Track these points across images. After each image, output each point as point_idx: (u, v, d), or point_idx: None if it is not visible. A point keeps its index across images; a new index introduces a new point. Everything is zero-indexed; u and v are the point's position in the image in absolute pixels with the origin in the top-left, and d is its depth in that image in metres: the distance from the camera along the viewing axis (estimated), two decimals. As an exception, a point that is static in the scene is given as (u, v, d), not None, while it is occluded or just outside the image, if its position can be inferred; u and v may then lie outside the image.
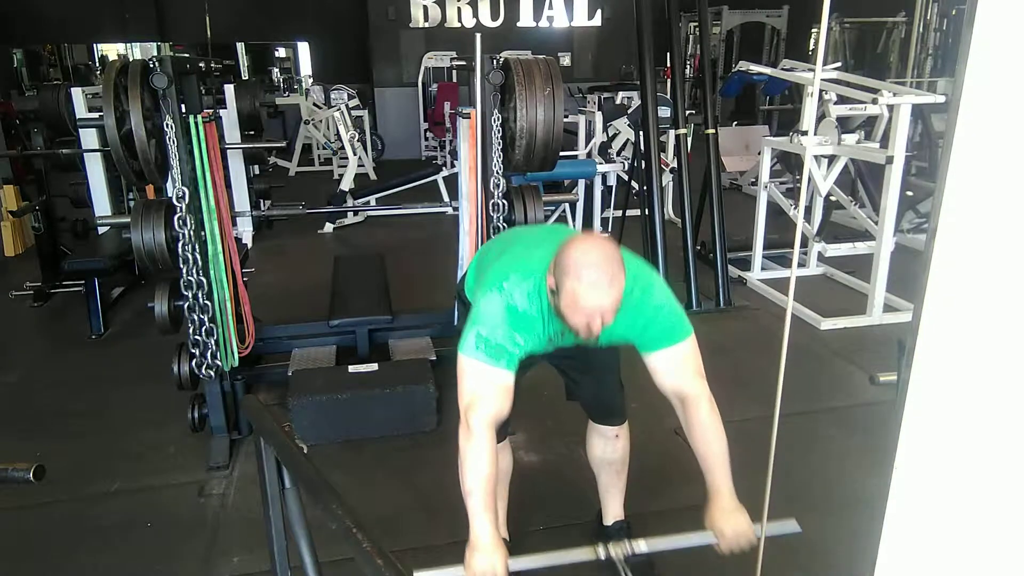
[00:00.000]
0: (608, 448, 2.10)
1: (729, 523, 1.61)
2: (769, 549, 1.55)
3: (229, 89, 5.20)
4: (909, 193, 4.66)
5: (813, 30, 11.41)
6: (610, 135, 6.45)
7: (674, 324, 1.70)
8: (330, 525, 1.01)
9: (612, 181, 5.93)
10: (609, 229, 5.68)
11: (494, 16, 10.34)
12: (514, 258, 1.76)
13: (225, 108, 5.08)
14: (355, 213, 6.60)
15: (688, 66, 11.03)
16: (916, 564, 0.74)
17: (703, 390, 1.69)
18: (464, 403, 1.61)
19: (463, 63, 3.08)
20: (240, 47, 12.87)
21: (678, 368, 1.70)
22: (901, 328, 2.99)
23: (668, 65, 5.08)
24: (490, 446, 1.58)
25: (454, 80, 10.02)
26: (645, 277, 1.72)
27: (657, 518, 2.35)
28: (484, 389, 1.61)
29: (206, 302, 2.69)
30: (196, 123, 2.59)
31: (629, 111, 6.81)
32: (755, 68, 5.54)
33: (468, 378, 1.62)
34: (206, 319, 2.71)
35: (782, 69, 5.64)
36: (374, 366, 3.10)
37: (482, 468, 1.56)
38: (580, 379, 2.05)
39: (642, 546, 1.69)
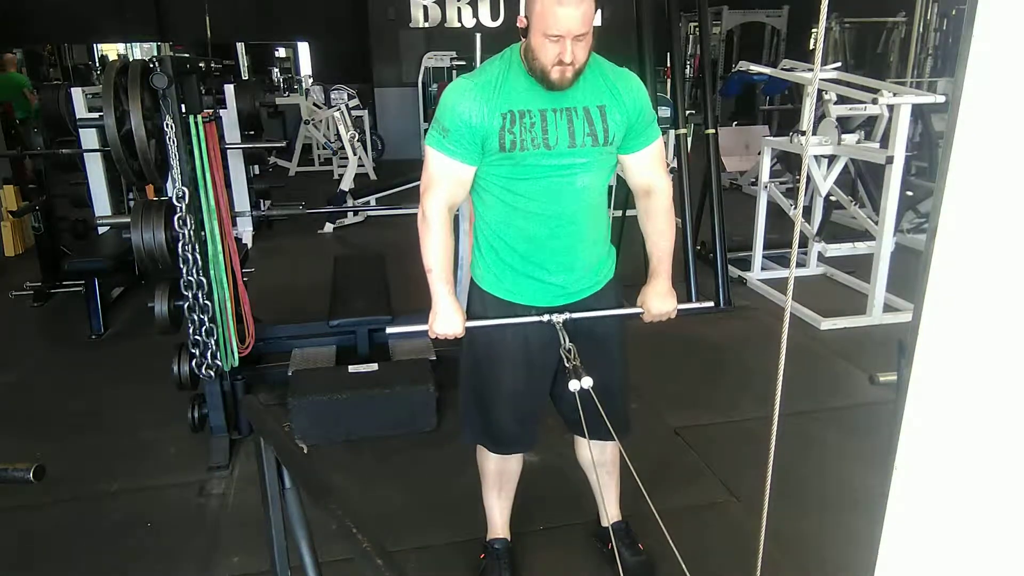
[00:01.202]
0: (597, 450, 2.06)
1: (658, 302, 1.85)
2: (769, 549, 1.55)
3: (229, 89, 5.20)
4: (909, 193, 4.66)
5: (813, 30, 11.40)
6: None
7: (654, 120, 1.83)
8: (330, 525, 1.01)
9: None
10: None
11: (494, 16, 10.33)
12: None
13: (225, 108, 5.08)
14: (355, 213, 6.60)
15: (688, 66, 11.03)
16: (916, 564, 0.74)
17: (667, 185, 1.86)
18: (422, 189, 1.73)
19: (463, 63, 3.07)
20: (240, 47, 12.87)
21: (651, 165, 1.82)
22: (901, 328, 2.99)
23: (668, 65, 5.08)
24: (445, 228, 1.72)
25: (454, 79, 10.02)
26: (628, 72, 1.81)
27: (656, 518, 2.35)
28: (439, 177, 1.71)
29: (206, 302, 2.69)
30: (196, 123, 2.59)
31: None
32: (755, 68, 5.54)
33: (427, 166, 1.72)
34: (206, 319, 2.71)
35: (782, 69, 5.64)
36: (374, 366, 3.10)
37: (439, 248, 1.72)
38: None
39: (578, 314, 1.78)
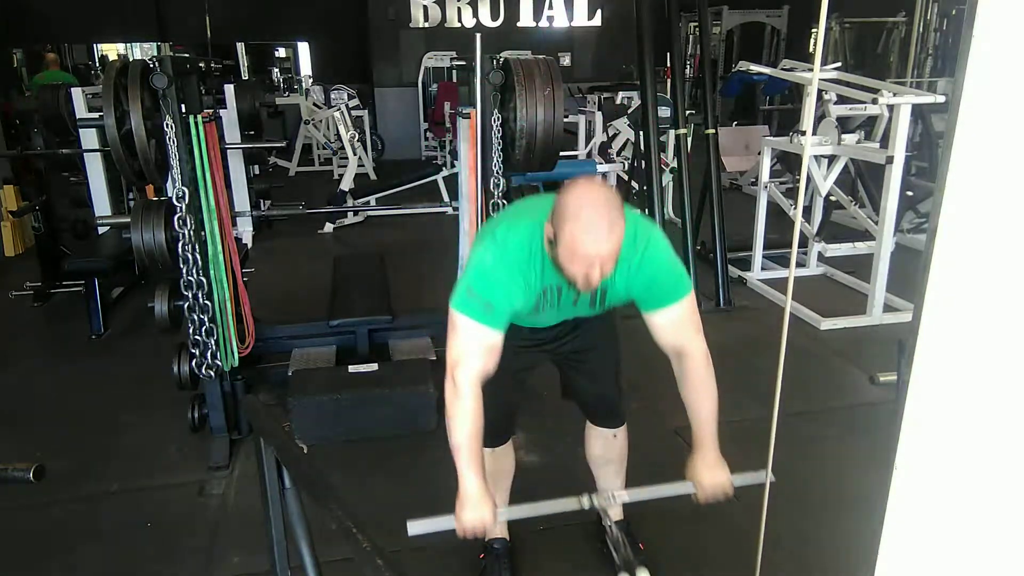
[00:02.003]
0: (607, 448, 2.10)
1: (708, 476, 1.68)
2: (769, 549, 1.55)
3: (229, 89, 5.20)
4: (909, 193, 4.66)
5: (813, 30, 11.40)
6: (610, 135, 6.45)
7: (676, 282, 1.69)
8: (330, 525, 1.01)
9: (612, 181, 5.93)
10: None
11: (494, 16, 10.33)
12: (510, 215, 1.77)
13: (225, 108, 5.08)
14: (355, 213, 6.60)
15: (688, 66, 11.03)
16: (916, 564, 0.74)
17: (701, 346, 1.71)
18: (452, 358, 1.62)
19: (463, 63, 3.08)
20: (240, 47, 12.86)
21: (679, 326, 1.70)
22: (901, 328, 2.99)
23: (668, 65, 5.08)
24: (476, 403, 1.60)
25: (454, 80, 10.02)
26: (646, 231, 1.68)
27: (657, 518, 2.35)
28: (472, 346, 1.61)
29: (206, 302, 2.69)
30: (196, 123, 2.59)
31: (629, 111, 6.81)
32: (755, 68, 5.54)
33: (457, 333, 1.62)
34: (206, 319, 2.71)
35: (782, 69, 5.64)
36: (374, 366, 3.10)
37: (469, 425, 1.59)
38: (580, 379, 2.05)
39: (624, 496, 1.74)
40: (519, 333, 1.89)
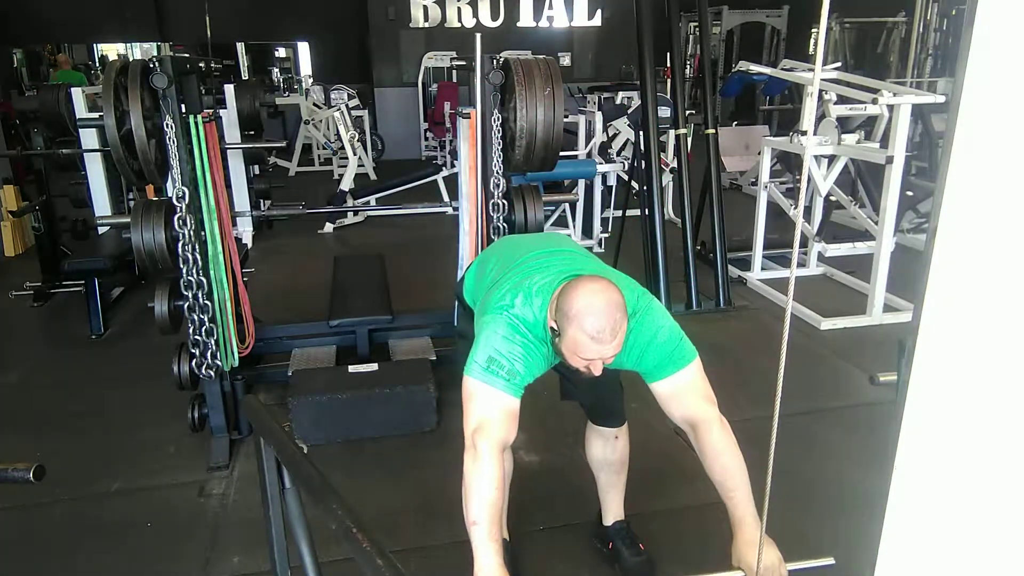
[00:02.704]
0: (608, 448, 2.10)
1: (754, 554, 1.49)
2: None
3: (229, 89, 5.20)
4: (909, 193, 4.66)
5: (813, 30, 11.40)
6: (610, 135, 6.44)
7: (675, 350, 1.65)
8: (330, 525, 1.01)
9: (612, 181, 5.92)
10: (609, 229, 5.68)
11: (494, 16, 10.33)
12: (518, 281, 1.71)
13: (225, 108, 5.08)
14: (355, 213, 6.60)
15: (688, 66, 11.03)
16: (916, 564, 0.74)
17: (713, 414, 1.63)
18: (471, 427, 1.56)
19: (463, 63, 3.08)
20: (240, 47, 12.87)
21: (684, 395, 1.65)
22: (901, 328, 2.99)
23: (668, 65, 5.08)
24: (498, 472, 1.52)
25: (454, 80, 10.02)
26: (643, 306, 1.68)
27: (657, 518, 2.35)
28: (492, 414, 1.57)
29: (206, 302, 2.69)
30: (196, 123, 2.59)
31: (629, 111, 6.81)
32: (755, 68, 5.54)
33: (475, 402, 1.58)
34: (206, 319, 2.71)
35: (782, 69, 5.64)
36: (374, 366, 3.10)
37: (489, 496, 1.49)
38: (579, 380, 2.04)
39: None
40: None
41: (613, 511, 2.19)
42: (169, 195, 2.57)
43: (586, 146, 6.19)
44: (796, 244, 1.13)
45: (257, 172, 6.18)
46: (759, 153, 4.81)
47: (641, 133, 4.41)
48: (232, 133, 5.01)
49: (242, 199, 5.46)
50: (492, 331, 1.62)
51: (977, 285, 0.65)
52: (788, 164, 6.52)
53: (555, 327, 1.55)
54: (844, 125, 4.59)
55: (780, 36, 11.25)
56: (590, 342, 1.48)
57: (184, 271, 2.63)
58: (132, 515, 2.50)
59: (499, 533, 1.50)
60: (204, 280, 2.67)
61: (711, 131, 4.47)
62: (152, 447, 2.91)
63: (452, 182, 4.94)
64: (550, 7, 10.51)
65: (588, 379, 1.60)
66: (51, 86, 5.01)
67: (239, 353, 2.91)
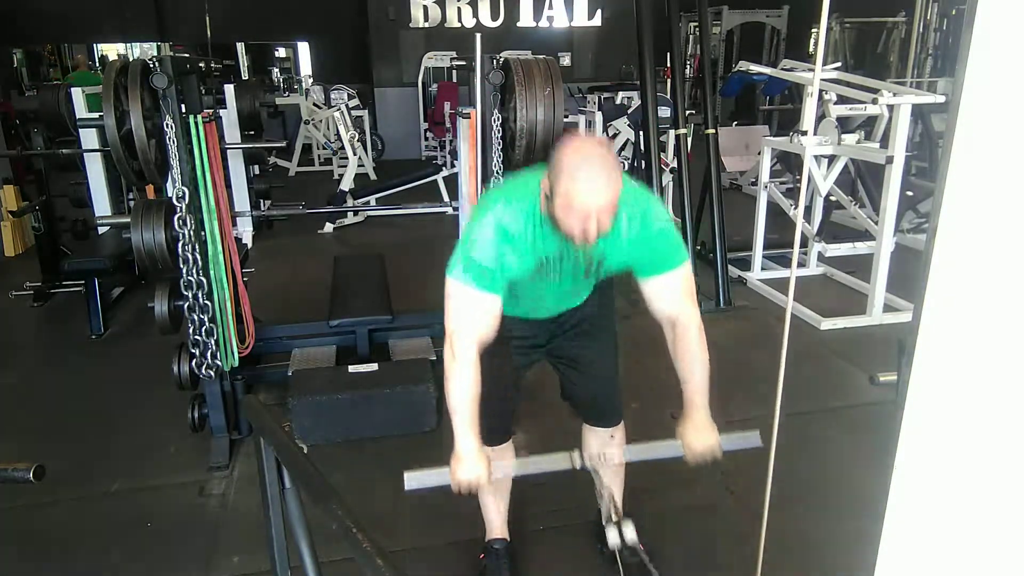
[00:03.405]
0: (604, 449, 2.10)
1: (699, 439, 1.69)
2: (769, 549, 1.55)
3: (229, 89, 5.20)
4: (909, 193, 4.66)
5: (813, 30, 11.40)
6: (610, 135, 6.45)
7: (673, 249, 1.70)
8: (330, 525, 1.01)
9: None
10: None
11: (494, 16, 10.33)
12: (506, 185, 1.77)
13: (225, 108, 5.08)
14: (355, 213, 6.60)
15: (688, 66, 11.03)
16: (916, 564, 0.74)
17: (694, 315, 1.71)
18: (450, 326, 1.63)
19: (463, 63, 3.08)
20: (240, 47, 12.87)
21: (674, 293, 1.71)
22: (901, 328, 2.99)
23: (668, 65, 5.08)
24: (475, 368, 1.61)
25: (454, 80, 10.02)
26: (645, 197, 1.70)
27: (657, 518, 2.35)
28: (470, 313, 1.62)
29: (206, 302, 2.69)
30: (196, 123, 2.59)
31: (629, 111, 6.81)
32: (755, 68, 5.54)
33: (454, 301, 1.63)
34: (206, 319, 2.71)
35: (782, 69, 5.64)
36: (374, 366, 3.10)
37: (467, 388, 1.61)
38: (578, 377, 2.04)
39: (614, 456, 1.76)
40: (517, 328, 1.89)
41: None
42: (169, 195, 2.57)
43: (586, 146, 6.18)
44: (796, 244, 1.14)
45: (257, 172, 6.18)
46: (759, 153, 4.82)
47: (641, 133, 4.42)
48: (232, 133, 5.01)
49: (242, 199, 5.46)
50: (473, 228, 1.64)
51: (977, 285, 0.65)
52: (788, 164, 6.51)
53: (548, 190, 1.53)
54: (844, 125, 4.59)
55: (780, 36, 11.25)
56: (584, 191, 1.45)
57: (184, 271, 2.63)
58: (132, 515, 2.49)
59: (476, 419, 1.64)
60: (204, 280, 2.67)
61: (711, 131, 4.47)
62: (152, 447, 2.91)
63: (452, 182, 4.95)
64: (550, 7, 10.51)
65: (582, 245, 1.54)
66: (51, 86, 5.00)
67: (239, 353, 2.91)
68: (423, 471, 1.65)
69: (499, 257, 1.60)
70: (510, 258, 1.62)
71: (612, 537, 1.57)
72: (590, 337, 1.96)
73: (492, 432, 1.97)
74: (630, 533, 1.55)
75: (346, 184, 6.70)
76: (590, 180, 1.45)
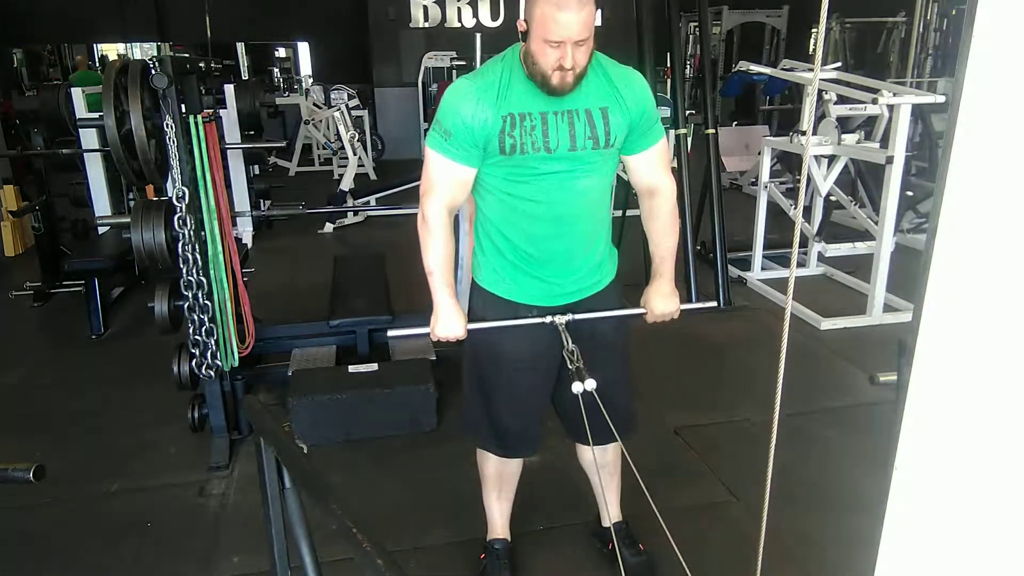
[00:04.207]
0: (597, 451, 2.05)
1: (660, 303, 1.84)
2: (769, 549, 1.55)
3: (229, 89, 5.20)
4: (909, 193, 4.66)
5: (813, 30, 11.40)
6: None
7: (658, 120, 1.79)
8: (330, 525, 1.01)
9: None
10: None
11: (494, 16, 10.33)
12: None
13: (225, 108, 5.07)
14: (355, 213, 6.60)
15: (688, 66, 11.03)
16: (916, 564, 0.74)
17: (671, 184, 1.83)
18: (421, 190, 1.72)
19: (463, 63, 3.07)
20: (240, 47, 12.88)
21: (654, 165, 1.80)
22: (901, 328, 2.99)
23: (668, 65, 5.08)
24: (445, 231, 1.71)
25: (454, 80, 10.02)
26: (629, 66, 1.78)
27: (657, 518, 2.35)
28: (440, 179, 1.69)
29: (206, 302, 2.69)
30: (196, 123, 2.59)
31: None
32: (755, 68, 5.53)
33: (427, 168, 1.71)
34: (206, 319, 2.71)
35: (782, 69, 5.64)
36: (374, 366, 3.10)
37: (439, 250, 1.71)
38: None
39: (581, 315, 1.78)
40: (531, 328, 1.79)
41: (612, 512, 2.18)
42: (169, 195, 2.57)
43: (586, 146, 6.19)
44: (796, 244, 1.14)
45: (257, 172, 6.18)
46: (759, 153, 4.82)
47: (641, 133, 4.41)
48: (232, 133, 5.01)
49: (242, 199, 5.46)
50: (447, 95, 1.68)
51: (977, 285, 0.65)
52: (788, 164, 6.52)
53: (524, 26, 1.58)
54: (844, 125, 4.59)
55: (780, 36, 11.25)
56: (557, 13, 1.48)
57: (184, 271, 2.63)
58: (132, 515, 2.50)
59: (451, 277, 1.76)
60: (204, 280, 2.67)
61: (711, 131, 4.47)
62: (152, 447, 2.91)
63: (452, 182, 4.93)
64: (550, 7, 10.50)
65: (560, 84, 1.57)
66: (51, 86, 5.00)
67: (239, 353, 2.91)
68: (404, 328, 1.87)
69: (461, 115, 1.63)
70: (474, 114, 1.62)
71: (576, 387, 1.57)
72: (602, 343, 1.86)
73: (516, 440, 1.95)
74: (590, 383, 1.56)
75: (346, 184, 6.70)
76: (563, 4, 1.49)
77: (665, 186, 1.82)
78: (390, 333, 1.87)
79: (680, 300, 1.87)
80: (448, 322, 1.74)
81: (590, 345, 1.75)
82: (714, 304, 1.71)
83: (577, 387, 1.57)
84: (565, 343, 1.70)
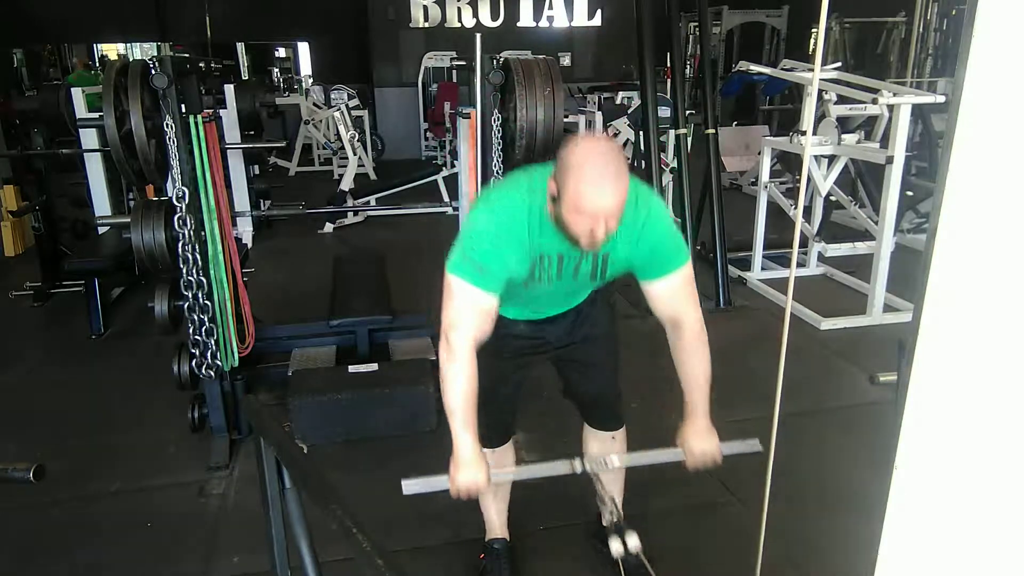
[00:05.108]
0: (605, 450, 2.09)
1: (699, 443, 1.67)
2: (769, 548, 1.55)
3: (229, 89, 5.20)
4: (909, 193, 4.66)
5: (813, 30, 11.39)
6: (610, 135, 6.45)
7: (676, 250, 1.68)
8: (330, 525, 1.01)
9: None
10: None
11: (494, 16, 10.33)
12: (507, 180, 1.75)
13: (225, 108, 5.08)
14: (355, 213, 6.60)
15: (688, 66, 11.02)
16: (916, 564, 0.74)
17: (697, 316, 1.71)
18: (447, 321, 1.62)
19: (463, 63, 3.08)
20: (240, 47, 12.87)
21: (677, 295, 1.70)
22: (901, 328, 2.99)
23: (668, 65, 5.07)
24: (471, 366, 1.59)
25: (454, 80, 10.02)
26: (648, 197, 1.67)
27: (657, 518, 2.35)
28: (467, 309, 1.61)
29: (206, 302, 2.69)
30: (196, 123, 2.59)
31: (629, 111, 6.81)
32: (755, 68, 5.53)
33: (452, 297, 1.62)
34: (206, 319, 2.71)
35: (782, 69, 5.64)
36: (374, 366, 3.10)
37: (463, 387, 1.58)
38: (579, 380, 2.04)
39: (615, 461, 1.74)
40: (519, 328, 1.89)
41: (612, 511, 2.18)
42: (169, 195, 2.57)
43: (586, 146, 6.18)
44: (796, 244, 1.14)
45: (257, 172, 6.18)
46: (759, 153, 4.81)
47: (641, 133, 4.41)
48: (232, 133, 5.01)
49: (242, 199, 5.46)
50: (472, 226, 1.64)
51: (977, 285, 0.65)
52: (788, 164, 6.51)
53: (555, 191, 1.51)
54: (844, 125, 4.59)
55: (780, 36, 11.24)
56: (592, 192, 1.43)
57: (184, 271, 2.63)
58: (132, 515, 2.49)
59: (474, 419, 1.61)
60: (204, 280, 2.67)
61: (711, 131, 4.47)
62: (152, 447, 2.91)
63: (452, 182, 4.95)
64: (550, 7, 10.51)
65: (589, 248, 1.53)
66: (51, 86, 5.00)
67: (239, 353, 2.91)
68: (421, 479, 1.62)
69: (496, 254, 1.59)
70: (507, 256, 1.60)
71: (615, 547, 1.55)
72: (592, 341, 1.96)
73: (492, 432, 1.97)
74: (633, 541, 1.53)
75: (346, 184, 6.70)
76: (599, 183, 1.43)
77: (690, 317, 1.70)
78: (405, 488, 1.61)
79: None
80: (470, 471, 1.60)
81: (583, 344, 1.85)
82: (758, 449, 1.65)
83: (617, 548, 1.55)
84: (600, 492, 1.68)
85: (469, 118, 2.93)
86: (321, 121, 8.87)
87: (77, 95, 4.54)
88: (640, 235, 1.63)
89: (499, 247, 1.59)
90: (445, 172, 6.84)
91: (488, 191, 1.76)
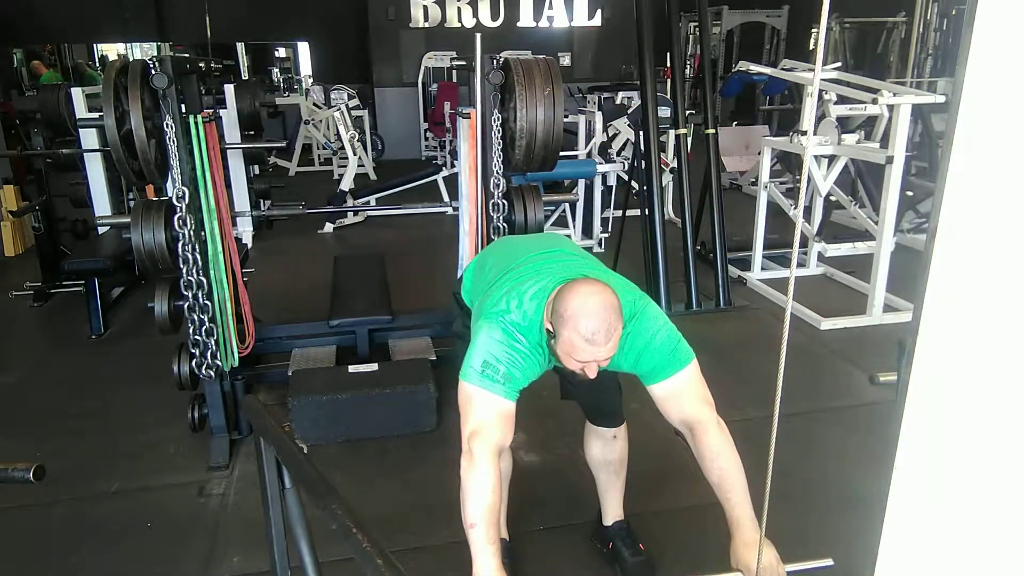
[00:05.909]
0: (607, 448, 2.10)
1: (756, 559, 1.44)
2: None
3: (229, 89, 5.20)
4: (909, 193, 4.66)
5: (813, 30, 11.40)
6: (610, 135, 6.45)
7: (672, 353, 1.65)
8: (330, 525, 1.01)
9: (612, 181, 5.92)
10: (609, 229, 5.68)
11: (494, 16, 10.33)
12: (513, 285, 1.71)
13: (225, 108, 5.08)
14: (355, 213, 6.60)
15: (688, 66, 11.03)
16: (916, 564, 0.74)
17: (710, 416, 1.62)
18: (467, 431, 1.56)
19: (463, 63, 3.08)
20: (240, 47, 12.85)
21: (682, 397, 1.65)
22: (901, 328, 2.99)
23: (668, 65, 5.07)
24: (495, 476, 1.52)
25: (454, 80, 10.02)
26: (639, 309, 1.68)
27: (657, 518, 2.35)
28: (488, 418, 1.57)
29: (206, 302, 2.69)
30: (196, 123, 2.59)
31: (629, 111, 6.81)
32: (755, 68, 5.54)
33: (471, 406, 1.59)
34: (206, 319, 2.71)
35: (782, 69, 5.64)
36: (374, 366, 3.10)
37: (486, 499, 1.50)
38: (580, 381, 2.04)
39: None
40: None
41: (613, 511, 2.19)
42: (169, 195, 2.57)
43: (586, 146, 6.19)
44: (796, 244, 1.14)
45: (257, 172, 6.18)
46: (759, 153, 4.81)
47: (641, 133, 4.41)
48: (232, 133, 5.01)
49: (242, 199, 5.45)
50: (487, 336, 1.63)
51: (977, 285, 0.65)
52: (788, 164, 6.52)
53: (551, 329, 1.57)
54: (844, 125, 4.60)
55: (780, 36, 11.24)
56: (584, 344, 1.49)
57: (184, 271, 2.63)
58: (132, 515, 2.49)
59: (497, 535, 1.51)
60: (204, 280, 2.67)
61: (711, 131, 4.47)
62: (152, 447, 2.91)
63: (452, 182, 4.94)
64: (550, 7, 10.51)
65: (585, 381, 1.61)
66: (52, 86, 5.00)
67: (239, 353, 2.91)
68: None
69: (512, 364, 1.62)
70: (528, 364, 1.65)
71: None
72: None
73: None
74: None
75: (346, 184, 6.70)
76: (592, 336, 1.48)
77: (703, 416, 1.62)
78: None
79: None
80: None
81: None
82: (830, 564, 1.54)
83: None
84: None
85: (469, 118, 2.93)
86: (321, 121, 8.87)
87: (77, 95, 4.54)
88: (635, 347, 1.66)
89: (523, 358, 1.64)
90: (445, 172, 6.83)
91: (496, 300, 1.68)
